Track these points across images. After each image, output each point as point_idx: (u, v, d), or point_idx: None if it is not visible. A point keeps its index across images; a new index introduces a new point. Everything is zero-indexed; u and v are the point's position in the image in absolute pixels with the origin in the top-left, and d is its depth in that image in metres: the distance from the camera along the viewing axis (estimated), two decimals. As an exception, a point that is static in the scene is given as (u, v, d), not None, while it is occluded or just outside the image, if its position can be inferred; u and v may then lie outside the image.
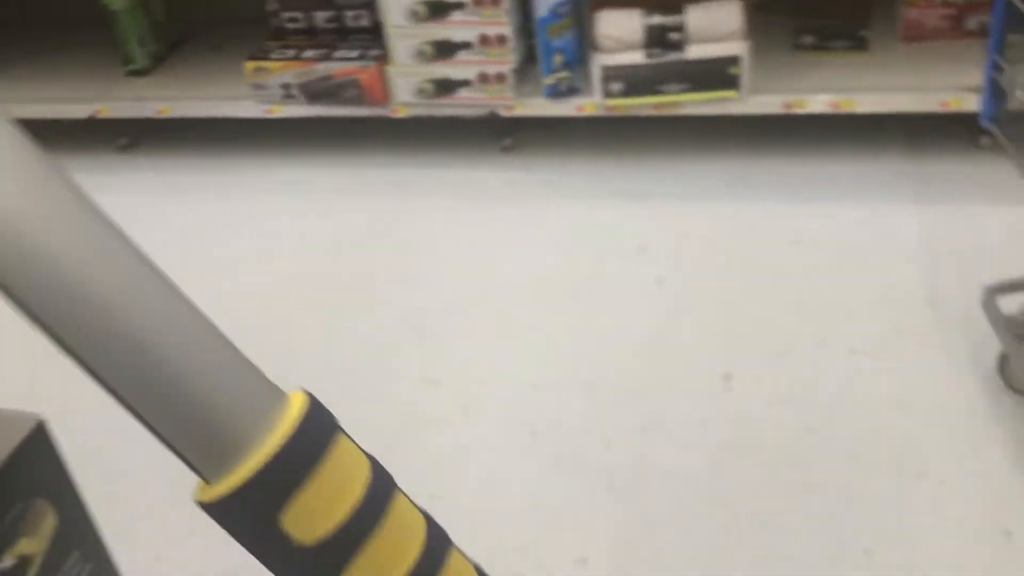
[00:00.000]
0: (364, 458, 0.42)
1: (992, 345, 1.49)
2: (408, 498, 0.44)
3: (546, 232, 2.04)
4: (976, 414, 1.47)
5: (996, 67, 1.24)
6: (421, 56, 2.17)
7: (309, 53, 2.29)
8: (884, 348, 1.61)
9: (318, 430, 0.39)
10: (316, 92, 2.28)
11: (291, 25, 2.41)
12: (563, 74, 2.12)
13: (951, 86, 1.95)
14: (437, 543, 0.44)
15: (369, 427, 1.58)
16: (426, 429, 1.57)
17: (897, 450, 1.42)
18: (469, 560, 0.46)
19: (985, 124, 1.29)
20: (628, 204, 2.08)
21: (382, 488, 0.42)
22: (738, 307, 1.75)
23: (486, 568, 0.48)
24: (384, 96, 2.23)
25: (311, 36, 2.39)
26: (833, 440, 1.45)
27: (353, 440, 0.42)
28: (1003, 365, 1.50)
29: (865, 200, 1.98)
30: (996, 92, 1.27)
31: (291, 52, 2.30)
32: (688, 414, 1.53)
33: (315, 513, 0.38)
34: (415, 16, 2.11)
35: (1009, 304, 1.47)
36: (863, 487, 1.38)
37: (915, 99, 1.98)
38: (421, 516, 0.45)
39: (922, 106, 1.98)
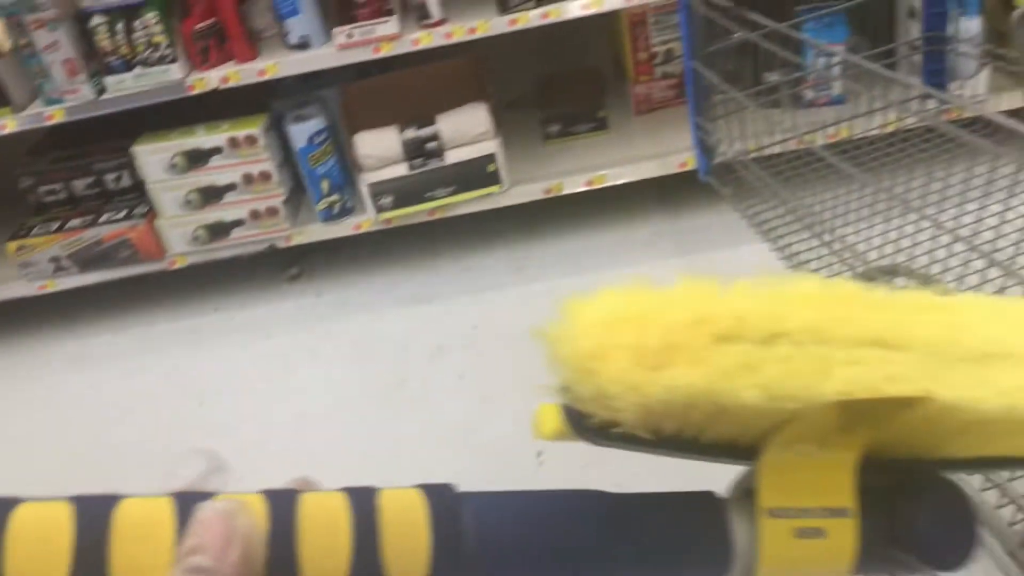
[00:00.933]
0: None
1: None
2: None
3: (344, 351, 2.06)
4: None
5: (700, 128, 1.40)
6: (189, 205, 2.18)
7: (74, 222, 2.25)
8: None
9: None
10: (88, 259, 2.23)
11: (51, 198, 2.36)
12: (333, 198, 2.18)
13: (685, 148, 2.15)
14: (360, 508, 0.38)
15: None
16: None
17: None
18: (407, 488, 0.40)
19: (703, 179, 1.44)
20: (420, 308, 2.14)
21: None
22: (537, 385, 1.82)
23: None
24: (159, 250, 2.21)
25: (74, 205, 2.35)
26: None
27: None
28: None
29: (633, 262, 2.13)
30: (705, 150, 1.42)
31: (55, 224, 2.25)
32: (508, 497, 1.57)
33: None
34: (175, 169, 2.12)
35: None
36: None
37: (657, 165, 2.17)
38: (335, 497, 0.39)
39: (664, 169, 2.16)
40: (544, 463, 1.63)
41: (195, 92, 2.05)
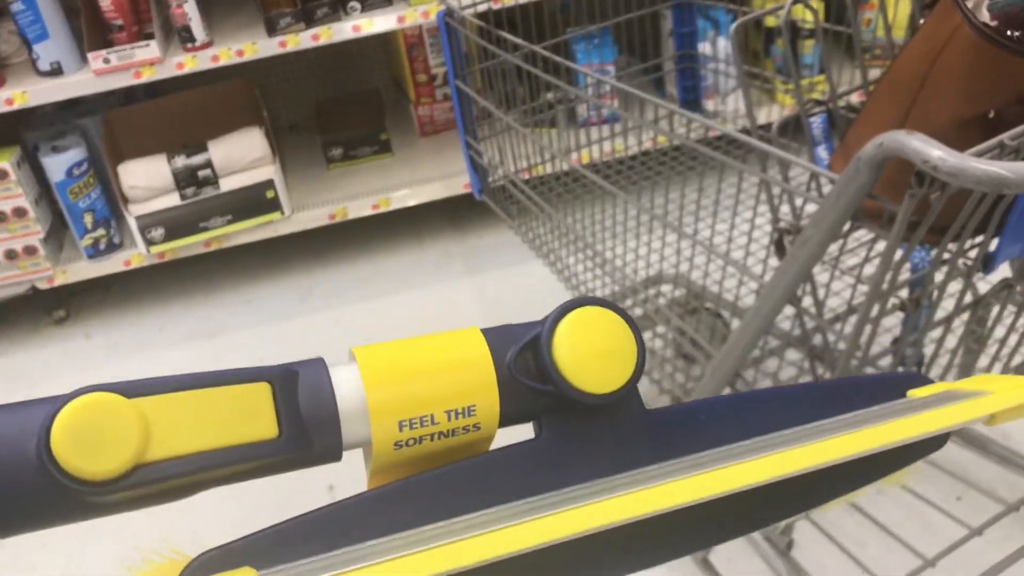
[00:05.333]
0: None
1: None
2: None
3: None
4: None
5: (470, 147, 1.40)
6: (-68, 247, 1.97)
7: None
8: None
9: None
10: None
11: None
12: (99, 233, 2.04)
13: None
14: None
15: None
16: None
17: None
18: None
19: (477, 198, 1.44)
20: (201, 344, 2.04)
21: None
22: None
23: None
24: None
25: None
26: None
27: None
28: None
29: (425, 284, 2.12)
30: (477, 169, 1.43)
31: None
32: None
33: None
34: (-89, 207, 1.92)
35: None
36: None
37: (442, 186, 2.17)
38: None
39: (450, 191, 2.17)
40: (336, 495, 1.58)
41: (-69, 123, 1.87)
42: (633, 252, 1.14)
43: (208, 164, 2.00)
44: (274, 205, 2.06)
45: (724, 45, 2.02)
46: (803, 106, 0.84)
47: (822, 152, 0.88)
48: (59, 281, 2.06)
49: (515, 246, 2.19)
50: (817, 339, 1.12)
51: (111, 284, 2.21)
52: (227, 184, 2.02)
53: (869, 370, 0.84)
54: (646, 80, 2.22)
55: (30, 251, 2.01)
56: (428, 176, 2.19)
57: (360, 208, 2.15)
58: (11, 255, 2.00)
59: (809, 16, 1.62)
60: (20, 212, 1.97)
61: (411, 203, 2.17)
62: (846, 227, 0.82)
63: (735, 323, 1.49)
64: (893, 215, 0.63)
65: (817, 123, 0.87)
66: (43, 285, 2.06)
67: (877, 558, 1.30)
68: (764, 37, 2.17)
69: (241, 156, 2.02)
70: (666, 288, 1.47)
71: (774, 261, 1.41)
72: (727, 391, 0.93)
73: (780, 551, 0.94)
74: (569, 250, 1.28)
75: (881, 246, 1.04)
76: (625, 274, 1.13)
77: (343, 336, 1.99)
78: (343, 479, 1.60)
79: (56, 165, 1.95)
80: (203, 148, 2.00)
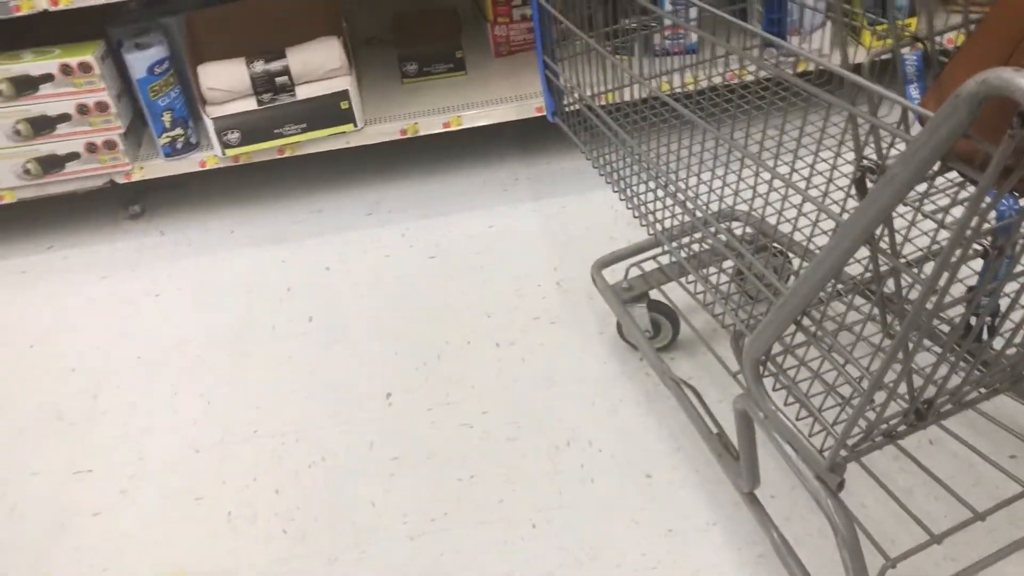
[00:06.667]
0: None
1: (611, 313, 1.65)
2: None
3: (188, 293, 1.98)
4: (609, 377, 1.63)
5: (547, 67, 1.39)
6: (19, 136, 2.03)
7: None
8: (524, 336, 1.74)
9: None
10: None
11: None
12: (176, 132, 2.08)
13: (541, 92, 2.15)
14: None
15: (22, 531, 1.45)
16: (85, 522, 1.47)
17: (548, 426, 1.55)
18: None
19: (550, 120, 1.44)
20: (270, 249, 2.08)
21: None
22: (389, 328, 1.81)
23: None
24: (-17, 183, 2.06)
25: None
26: (489, 431, 1.55)
27: None
28: (621, 329, 1.67)
29: (490, 206, 2.13)
30: (553, 91, 1.42)
31: None
32: (355, 440, 1.56)
33: None
34: (0, 96, 1.97)
35: (615, 274, 1.65)
36: (522, 467, 1.48)
37: (514, 108, 2.16)
38: None
39: (522, 114, 2.16)
40: (393, 404, 1.62)
41: (21, 13, 1.90)
42: (706, 185, 1.13)
43: (286, 71, 2.01)
44: (347, 116, 2.08)
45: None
46: (898, 41, 0.82)
47: (914, 91, 0.86)
48: (136, 177, 2.11)
49: (581, 174, 2.19)
50: (888, 285, 1.10)
51: (185, 183, 2.26)
52: (303, 92, 2.04)
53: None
54: (728, 10, 2.17)
55: (110, 145, 2.06)
56: (500, 97, 2.18)
57: (431, 125, 2.15)
58: (92, 148, 2.05)
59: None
60: (102, 106, 2.01)
61: (482, 123, 2.16)
62: (934, 168, 0.81)
63: (799, 265, 1.48)
64: (987, 158, 0.62)
65: (911, 61, 0.85)
66: (121, 180, 2.11)
67: (923, 507, 1.30)
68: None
69: (318, 65, 2.03)
70: (735, 225, 1.45)
71: (851, 204, 1.39)
72: (791, 329, 0.93)
73: (830, 491, 0.95)
74: (640, 178, 1.27)
75: (968, 192, 1.02)
76: (696, 206, 1.12)
77: (408, 250, 2.01)
78: (399, 388, 1.64)
79: (138, 62, 1.98)
80: (281, 55, 2.01)
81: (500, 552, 1.35)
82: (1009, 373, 0.92)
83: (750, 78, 1.51)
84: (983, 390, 0.94)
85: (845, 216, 0.90)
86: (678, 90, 1.49)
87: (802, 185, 0.98)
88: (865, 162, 0.83)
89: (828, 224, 0.96)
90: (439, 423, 1.58)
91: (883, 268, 0.92)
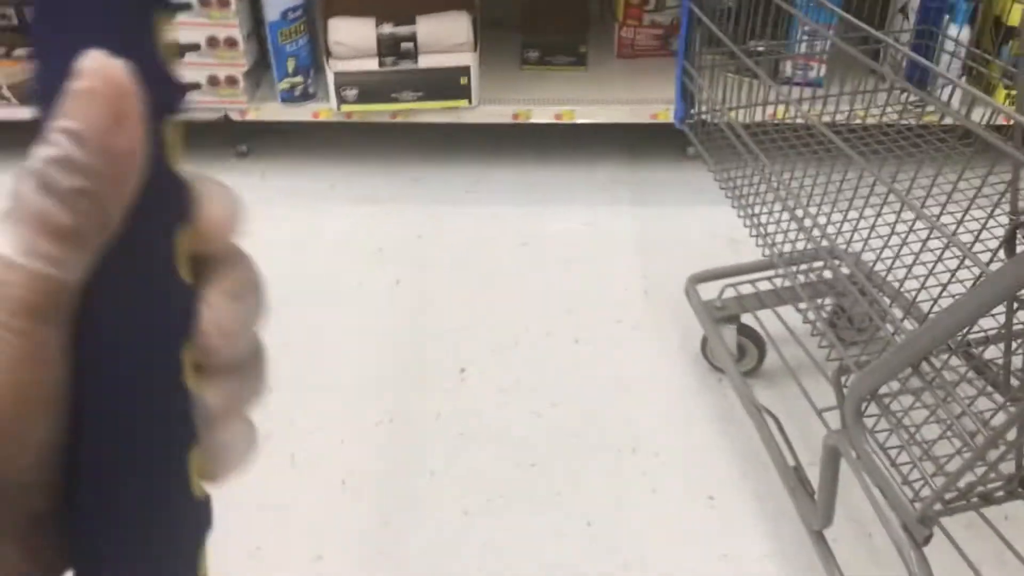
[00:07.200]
0: None
1: (697, 329, 1.64)
2: None
3: (281, 239, 2.01)
4: (685, 392, 1.62)
5: (686, 72, 1.38)
6: (146, 57, 2.08)
7: (22, 50, 2.13)
8: (604, 336, 1.74)
9: None
10: (30, 93, 2.12)
11: (1, 22, 2.23)
12: (297, 79, 2.11)
13: (660, 99, 2.14)
14: None
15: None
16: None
17: (615, 428, 1.54)
18: None
19: (678, 125, 1.43)
20: (367, 209, 2.11)
21: None
22: (471, 305, 1.82)
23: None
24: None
25: (25, 32, 2.23)
26: (557, 423, 1.55)
27: None
28: (706, 346, 1.66)
29: (587, 204, 2.13)
30: (686, 96, 1.41)
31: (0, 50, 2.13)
32: (424, 408, 1.57)
33: None
34: (137, 15, 2.02)
35: (708, 291, 1.63)
36: (584, 464, 1.47)
37: (629, 111, 2.15)
38: None
39: (636, 117, 2.15)
40: (466, 380, 1.63)
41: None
42: (840, 215, 1.11)
43: (412, 37, 2.03)
44: (464, 92, 2.09)
45: (956, 32, 1.92)
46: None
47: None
48: (251, 116, 2.15)
49: (684, 186, 2.17)
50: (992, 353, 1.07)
51: (294, 131, 2.29)
52: (425, 61, 2.05)
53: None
54: (862, 49, 2.13)
55: (231, 81, 2.10)
56: (617, 98, 2.18)
57: (543, 114, 2.16)
58: (214, 81, 2.10)
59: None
60: (231, 42, 2.05)
61: (594, 121, 2.16)
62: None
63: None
64: None
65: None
66: (235, 116, 2.15)
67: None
68: (1000, 35, 2.04)
69: (445, 37, 2.05)
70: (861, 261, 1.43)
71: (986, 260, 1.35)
72: (907, 371, 0.91)
73: (915, 543, 0.93)
74: (765, 199, 1.26)
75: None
76: (824, 234, 1.11)
77: (500, 233, 2.02)
78: (474, 363, 1.64)
79: (274, 5, 2.02)
80: (411, 20, 2.03)
81: (552, 543, 1.35)
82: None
83: (883, 121, 1.48)
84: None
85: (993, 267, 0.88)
86: (799, 123, 1.47)
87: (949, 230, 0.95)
88: (1022, 218, 0.81)
89: (964, 274, 0.94)
90: (508, 407, 1.58)
91: (1016, 327, 0.90)
